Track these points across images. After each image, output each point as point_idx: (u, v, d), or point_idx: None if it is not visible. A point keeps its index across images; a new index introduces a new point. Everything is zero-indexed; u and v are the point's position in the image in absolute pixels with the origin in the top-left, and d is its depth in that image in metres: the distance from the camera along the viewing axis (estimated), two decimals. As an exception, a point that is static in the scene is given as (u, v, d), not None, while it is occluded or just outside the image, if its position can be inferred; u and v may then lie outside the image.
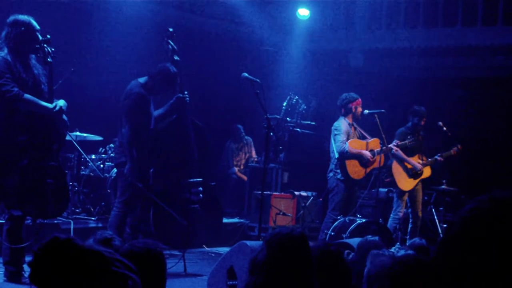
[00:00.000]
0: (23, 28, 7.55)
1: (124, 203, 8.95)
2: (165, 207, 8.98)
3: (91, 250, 1.98)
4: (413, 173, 11.65)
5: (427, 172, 11.79)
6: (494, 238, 1.81)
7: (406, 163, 11.62)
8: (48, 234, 7.09)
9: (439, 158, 11.83)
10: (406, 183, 11.60)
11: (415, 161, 11.69)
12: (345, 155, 10.67)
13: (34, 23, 7.66)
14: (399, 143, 11.25)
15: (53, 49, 7.72)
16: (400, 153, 11.50)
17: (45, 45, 7.66)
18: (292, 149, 14.27)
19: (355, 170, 10.78)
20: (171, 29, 9.61)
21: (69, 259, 1.93)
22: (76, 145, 11.41)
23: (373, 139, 11.02)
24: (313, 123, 14.44)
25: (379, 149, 10.86)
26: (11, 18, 7.62)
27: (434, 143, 12.49)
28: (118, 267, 2.00)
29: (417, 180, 11.70)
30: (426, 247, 6.67)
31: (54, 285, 1.95)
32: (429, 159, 11.80)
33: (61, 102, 7.65)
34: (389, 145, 11.04)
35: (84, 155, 11.68)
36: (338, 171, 10.80)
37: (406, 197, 11.64)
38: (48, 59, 7.67)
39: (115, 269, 1.98)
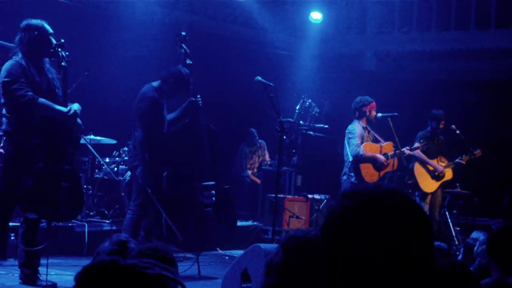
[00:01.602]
0: (36, 32, 7.57)
1: (138, 206, 8.96)
2: (165, 217, 8.97)
3: (138, 272, 1.88)
4: (435, 175, 11.73)
5: (449, 174, 11.89)
6: (358, 233, 1.87)
7: (427, 165, 11.72)
8: (62, 237, 7.12)
9: (460, 161, 11.91)
10: (428, 184, 11.71)
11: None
12: (359, 159, 10.67)
13: (47, 27, 7.67)
14: (412, 147, 11.31)
15: (67, 53, 7.73)
16: (422, 155, 11.62)
17: (59, 49, 7.67)
18: (305, 152, 14.28)
19: (369, 173, 10.78)
20: (183, 33, 9.61)
21: (114, 284, 1.85)
22: (91, 148, 11.44)
23: (386, 142, 11.03)
24: (326, 126, 14.45)
25: (393, 152, 10.88)
26: (24, 22, 7.64)
27: (447, 146, 12.49)
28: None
29: (439, 182, 11.81)
30: (447, 250, 6.67)
31: None
32: (450, 162, 11.89)
33: (76, 106, 7.68)
34: (402, 149, 11.06)
35: (99, 158, 11.71)
36: (352, 174, 10.80)
37: (429, 199, 11.71)
38: (63, 63, 7.68)
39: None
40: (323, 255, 1.96)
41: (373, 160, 10.79)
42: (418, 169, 11.76)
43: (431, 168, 11.79)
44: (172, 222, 9.00)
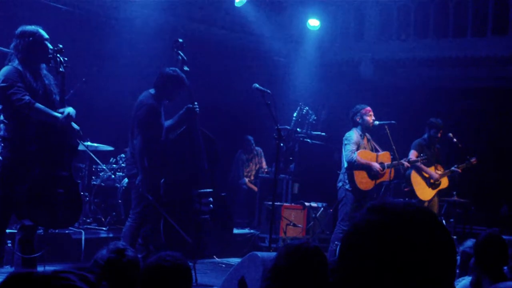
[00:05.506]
0: (31, 39, 7.52)
1: (138, 214, 8.93)
2: (173, 223, 8.95)
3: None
4: (431, 183, 11.73)
5: (444, 182, 11.88)
6: (380, 249, 1.80)
7: (423, 172, 11.72)
8: (59, 244, 7.09)
9: (456, 169, 11.90)
10: (424, 192, 11.72)
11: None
12: (353, 165, 10.62)
13: (43, 32, 7.62)
14: (410, 160, 11.27)
15: (65, 59, 7.71)
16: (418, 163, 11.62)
17: (57, 55, 7.66)
18: (302, 159, 14.28)
19: (363, 181, 10.73)
20: (180, 40, 9.58)
21: None
22: (91, 154, 11.43)
23: (383, 152, 11.00)
24: (323, 133, 14.45)
25: (390, 162, 10.83)
26: (19, 29, 7.59)
27: (444, 154, 12.49)
28: None
29: (435, 190, 11.81)
30: None
31: None
32: (446, 170, 11.88)
33: (69, 109, 7.62)
34: (401, 160, 11.01)
35: (99, 163, 11.70)
36: (347, 181, 10.76)
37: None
38: (60, 69, 7.66)
39: None
40: (339, 270, 1.88)
41: (367, 168, 10.74)
42: (414, 177, 11.76)
43: (426, 175, 11.78)
44: (173, 226, 8.98)
